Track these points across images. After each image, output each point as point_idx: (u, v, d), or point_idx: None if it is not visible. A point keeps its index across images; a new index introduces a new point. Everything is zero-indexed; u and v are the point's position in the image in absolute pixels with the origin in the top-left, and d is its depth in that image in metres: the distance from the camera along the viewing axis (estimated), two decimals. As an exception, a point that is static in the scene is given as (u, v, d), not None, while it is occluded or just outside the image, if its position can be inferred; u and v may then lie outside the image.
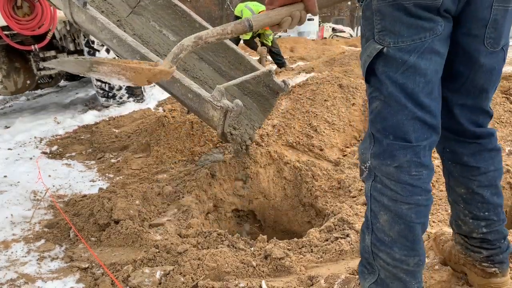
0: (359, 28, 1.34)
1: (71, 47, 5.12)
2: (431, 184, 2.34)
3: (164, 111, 4.65)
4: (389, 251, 1.16)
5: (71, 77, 8.31)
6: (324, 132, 3.36)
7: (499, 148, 1.34)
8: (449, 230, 1.67)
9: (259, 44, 8.03)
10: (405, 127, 1.12)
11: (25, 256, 2.01)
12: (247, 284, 1.58)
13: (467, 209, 1.36)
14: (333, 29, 23.62)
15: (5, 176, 3.10)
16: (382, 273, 1.21)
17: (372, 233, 1.21)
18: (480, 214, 1.33)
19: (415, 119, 1.11)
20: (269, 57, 8.09)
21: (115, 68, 1.10)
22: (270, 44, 7.82)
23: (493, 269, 1.37)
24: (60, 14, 4.34)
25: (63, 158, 3.63)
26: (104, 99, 5.30)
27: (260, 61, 7.51)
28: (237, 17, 7.75)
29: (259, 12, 7.76)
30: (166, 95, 5.67)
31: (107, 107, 5.38)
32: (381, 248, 1.18)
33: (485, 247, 1.37)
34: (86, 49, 4.87)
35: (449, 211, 2.08)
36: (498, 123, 3.30)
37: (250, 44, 7.95)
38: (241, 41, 8.05)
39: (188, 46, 1.19)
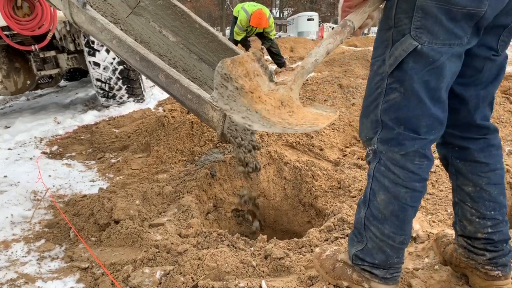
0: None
1: (71, 47, 5.12)
2: (431, 184, 2.34)
3: (164, 111, 4.65)
4: (380, 226, 1.31)
5: (71, 77, 8.32)
6: (324, 132, 3.36)
7: (501, 146, 1.39)
8: (450, 232, 1.66)
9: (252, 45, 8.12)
10: (418, 121, 1.21)
11: (25, 256, 2.02)
12: (247, 284, 1.58)
13: (474, 208, 1.39)
14: (333, 29, 23.62)
15: (5, 176, 3.10)
16: (370, 244, 1.35)
17: (367, 208, 1.34)
18: (487, 213, 1.37)
19: (429, 116, 1.20)
20: (269, 57, 8.11)
21: None
22: (273, 38, 7.84)
23: (496, 272, 1.38)
24: (60, 14, 4.34)
25: (63, 158, 3.64)
26: (104, 99, 5.29)
27: None
28: (235, 18, 7.79)
29: (253, 12, 7.84)
30: (166, 95, 5.67)
31: (107, 107, 5.38)
32: (373, 223, 1.32)
33: (489, 249, 1.39)
34: (86, 50, 4.87)
35: (449, 211, 2.08)
36: (498, 123, 3.29)
37: (243, 43, 8.04)
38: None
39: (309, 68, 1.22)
